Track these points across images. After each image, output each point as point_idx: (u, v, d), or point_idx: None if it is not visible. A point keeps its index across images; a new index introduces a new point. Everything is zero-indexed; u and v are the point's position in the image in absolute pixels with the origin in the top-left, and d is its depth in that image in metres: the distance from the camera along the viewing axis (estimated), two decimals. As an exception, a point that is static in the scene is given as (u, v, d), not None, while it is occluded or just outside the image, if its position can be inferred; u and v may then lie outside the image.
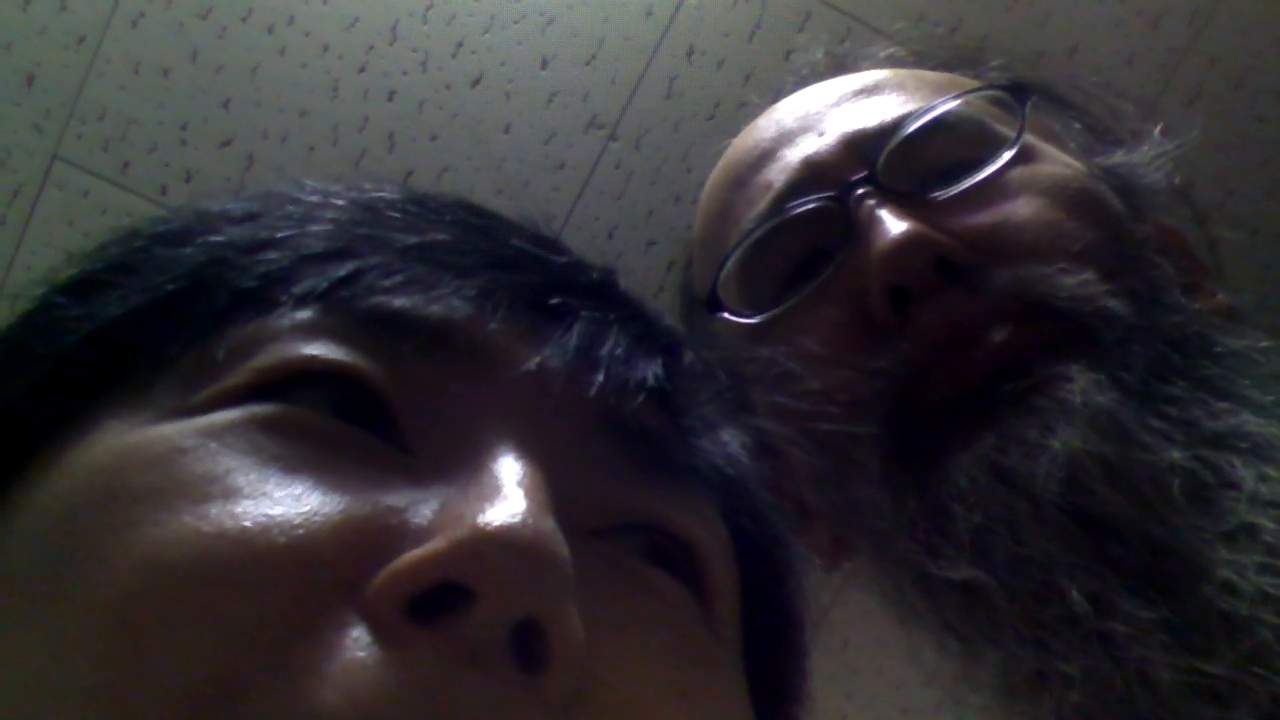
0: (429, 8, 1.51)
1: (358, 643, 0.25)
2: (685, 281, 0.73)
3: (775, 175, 0.63)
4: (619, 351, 0.33)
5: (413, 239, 0.33)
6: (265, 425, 0.29)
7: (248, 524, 0.26)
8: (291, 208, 0.35)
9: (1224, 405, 0.52)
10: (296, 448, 0.28)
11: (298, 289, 0.31)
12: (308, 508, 0.27)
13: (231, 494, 0.27)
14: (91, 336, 0.32)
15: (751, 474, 0.37)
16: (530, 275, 0.34)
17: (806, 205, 0.60)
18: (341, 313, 0.31)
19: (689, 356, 0.37)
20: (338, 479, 0.28)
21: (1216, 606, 0.47)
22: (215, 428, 0.29)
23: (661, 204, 1.60)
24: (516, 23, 1.53)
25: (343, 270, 0.32)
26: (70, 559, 0.27)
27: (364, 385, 0.30)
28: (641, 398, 0.32)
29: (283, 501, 0.27)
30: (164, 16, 1.47)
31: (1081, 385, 0.52)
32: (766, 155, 0.65)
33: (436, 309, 0.31)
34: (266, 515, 0.26)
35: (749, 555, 0.36)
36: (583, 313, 0.33)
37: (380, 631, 0.25)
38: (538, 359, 0.32)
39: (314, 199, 0.36)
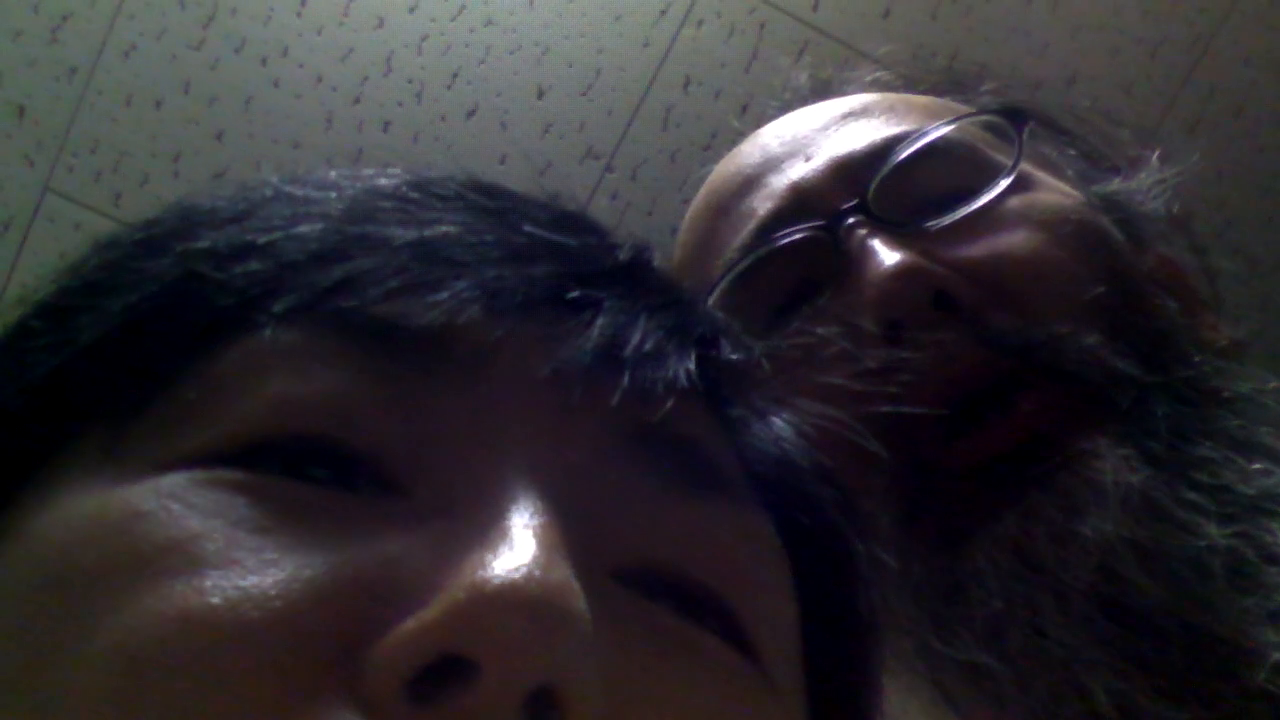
0: (424, 39, 1.50)
1: None
2: None
3: (760, 203, 0.60)
4: (647, 348, 0.29)
5: (412, 233, 0.30)
6: (235, 483, 0.26)
7: (216, 601, 0.23)
8: (280, 206, 0.32)
9: (1255, 466, 0.49)
10: (270, 504, 0.26)
11: (278, 306, 0.28)
12: (284, 573, 0.24)
13: (197, 565, 0.24)
14: (58, 370, 0.29)
15: (808, 465, 0.34)
16: (546, 266, 0.30)
17: (795, 235, 0.58)
18: (328, 330, 0.28)
19: (729, 345, 0.33)
20: (317, 535, 0.25)
21: (1265, 692, 0.44)
22: (179, 487, 0.26)
23: (658, 234, 1.57)
24: (512, 53, 1.52)
25: (329, 279, 0.28)
26: (31, 660, 0.24)
27: (348, 446, 0.27)
28: (671, 401, 0.29)
29: (255, 569, 0.24)
30: (156, 48, 1.47)
31: (1112, 464, 0.49)
32: (751, 181, 0.62)
33: (435, 315, 0.28)
34: (237, 588, 0.24)
35: (808, 552, 0.32)
36: (606, 304, 0.29)
37: (378, 718, 0.22)
38: (551, 365, 0.28)
39: (306, 193, 0.32)
